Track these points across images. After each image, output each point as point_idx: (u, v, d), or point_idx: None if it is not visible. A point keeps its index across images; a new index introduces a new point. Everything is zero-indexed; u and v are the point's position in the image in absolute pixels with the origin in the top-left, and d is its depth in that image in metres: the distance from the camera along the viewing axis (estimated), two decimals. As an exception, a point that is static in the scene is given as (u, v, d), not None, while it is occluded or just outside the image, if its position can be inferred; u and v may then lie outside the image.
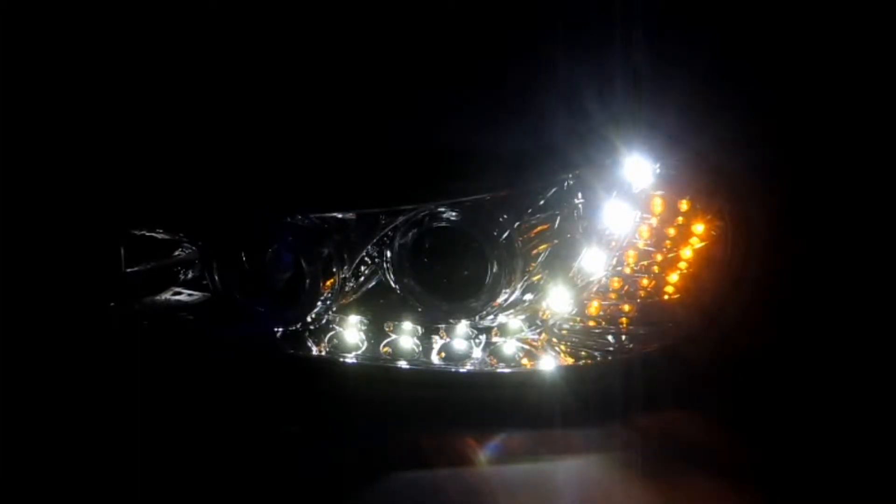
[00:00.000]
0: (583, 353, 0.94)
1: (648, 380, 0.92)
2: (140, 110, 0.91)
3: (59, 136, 0.92)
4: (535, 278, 0.92)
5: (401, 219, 0.88)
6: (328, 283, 0.90)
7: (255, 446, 0.90)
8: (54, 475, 0.88)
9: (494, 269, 0.88)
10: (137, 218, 0.92)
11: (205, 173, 0.90)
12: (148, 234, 0.94)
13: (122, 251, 0.93)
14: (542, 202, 0.90)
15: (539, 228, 0.91)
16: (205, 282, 0.93)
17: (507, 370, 0.94)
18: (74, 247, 0.92)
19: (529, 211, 0.90)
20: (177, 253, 0.95)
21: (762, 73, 0.90)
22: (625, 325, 0.94)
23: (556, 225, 0.91)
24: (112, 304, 0.93)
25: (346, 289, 0.93)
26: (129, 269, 0.94)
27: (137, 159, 0.90)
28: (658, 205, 0.91)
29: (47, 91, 0.93)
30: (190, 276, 0.95)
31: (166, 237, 0.94)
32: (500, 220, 0.88)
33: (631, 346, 0.94)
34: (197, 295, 0.95)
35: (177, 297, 0.95)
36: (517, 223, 0.89)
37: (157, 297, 0.95)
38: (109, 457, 0.89)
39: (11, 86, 0.92)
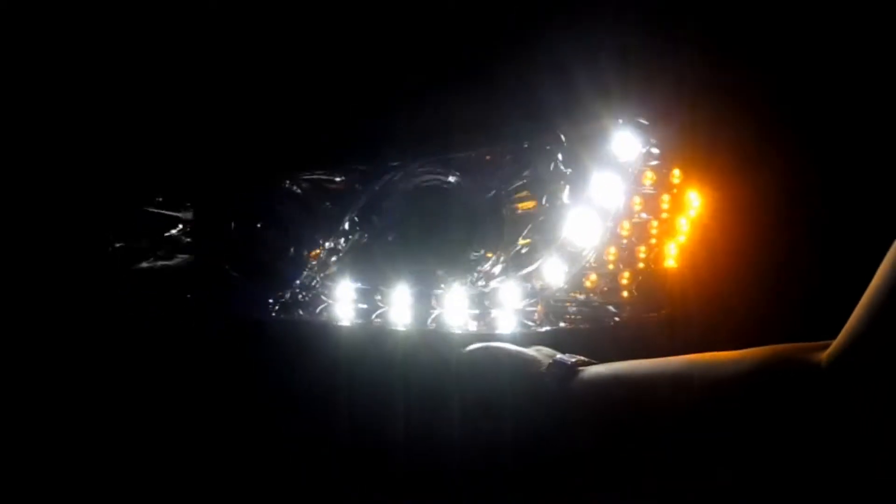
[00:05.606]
0: (577, 320, 0.93)
1: (643, 350, 0.90)
2: (126, 87, 0.92)
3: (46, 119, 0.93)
4: (523, 242, 0.91)
5: (387, 178, 0.88)
6: (316, 250, 0.90)
7: (255, 446, 0.90)
8: (48, 467, 0.88)
9: (484, 233, 0.87)
10: (125, 191, 0.93)
11: (188, 144, 0.91)
12: (136, 207, 0.94)
13: (112, 224, 0.93)
14: (530, 169, 0.90)
15: (527, 198, 0.91)
16: (193, 253, 0.93)
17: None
18: (62, 223, 0.92)
19: (519, 175, 0.90)
20: (166, 225, 0.95)
21: (756, 48, 0.91)
22: (620, 296, 0.93)
23: (546, 194, 0.91)
24: (101, 276, 0.93)
25: (335, 255, 0.92)
26: (117, 244, 0.94)
27: (123, 133, 0.91)
28: (650, 175, 0.90)
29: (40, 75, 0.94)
30: (179, 247, 0.95)
31: (154, 209, 0.94)
32: (488, 182, 0.88)
33: (626, 316, 0.93)
34: (185, 264, 0.94)
35: (165, 268, 0.95)
36: (505, 186, 0.89)
37: (146, 269, 0.95)
38: (107, 446, 0.90)
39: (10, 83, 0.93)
